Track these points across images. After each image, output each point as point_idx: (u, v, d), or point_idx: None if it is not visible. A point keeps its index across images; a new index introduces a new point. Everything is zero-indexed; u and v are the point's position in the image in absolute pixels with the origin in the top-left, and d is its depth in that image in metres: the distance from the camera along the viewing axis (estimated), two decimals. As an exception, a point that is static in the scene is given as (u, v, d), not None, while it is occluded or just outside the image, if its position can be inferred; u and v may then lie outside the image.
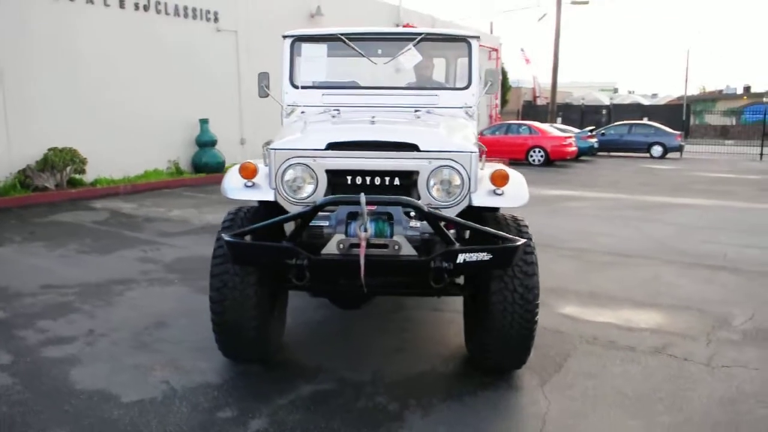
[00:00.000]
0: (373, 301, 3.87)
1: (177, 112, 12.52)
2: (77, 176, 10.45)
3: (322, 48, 4.33)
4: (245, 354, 3.42)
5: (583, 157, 20.77)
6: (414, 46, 4.23)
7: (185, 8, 12.64)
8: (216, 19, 13.35)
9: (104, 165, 10.97)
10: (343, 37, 4.21)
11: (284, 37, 4.34)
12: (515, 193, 3.16)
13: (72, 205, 9.41)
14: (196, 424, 2.86)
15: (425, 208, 2.73)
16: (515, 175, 3.22)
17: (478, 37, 4.25)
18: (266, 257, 2.89)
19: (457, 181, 3.05)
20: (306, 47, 4.31)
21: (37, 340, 3.93)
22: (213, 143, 12.95)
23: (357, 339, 4.02)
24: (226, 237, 2.87)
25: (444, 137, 3.15)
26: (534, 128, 18.86)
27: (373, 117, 3.31)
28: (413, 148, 3.05)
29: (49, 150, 9.97)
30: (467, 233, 3.44)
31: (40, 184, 9.86)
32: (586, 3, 27.11)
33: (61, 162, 9.89)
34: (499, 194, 3.11)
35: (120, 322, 4.27)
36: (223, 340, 3.28)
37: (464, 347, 3.77)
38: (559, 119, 27.71)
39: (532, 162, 17.91)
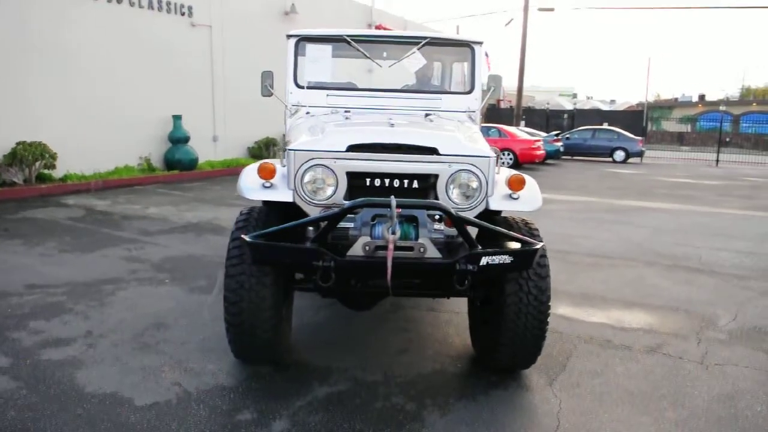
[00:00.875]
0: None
1: (149, 107, 12.26)
2: (46, 171, 10.12)
3: (326, 49, 4.34)
4: (258, 355, 3.39)
5: (549, 161, 21.25)
6: (418, 49, 4.29)
7: (159, 1, 12.37)
8: (190, 14, 13.11)
9: (74, 160, 10.66)
10: (348, 39, 4.24)
11: (288, 36, 4.33)
12: (530, 198, 3.25)
13: (43, 201, 9.12)
14: (217, 428, 2.84)
15: (454, 212, 2.78)
16: (529, 180, 3.30)
17: (481, 43, 4.33)
18: (291, 259, 2.89)
19: (475, 184, 3.11)
20: (310, 47, 4.31)
21: (33, 342, 3.82)
22: (186, 140, 12.72)
23: (361, 339, 4.04)
24: (247, 238, 2.85)
25: (463, 142, 3.21)
26: (503, 131, 19.18)
27: (391, 119, 3.35)
28: (433, 151, 3.09)
29: (18, 144, 9.63)
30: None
31: (7, 179, 9.52)
32: (552, 10, 27.69)
33: (30, 156, 9.56)
34: (515, 198, 3.19)
35: (117, 323, 4.18)
36: (237, 341, 3.25)
37: (468, 347, 3.86)
38: (523, 122, 28.20)
39: (501, 165, 18.17)
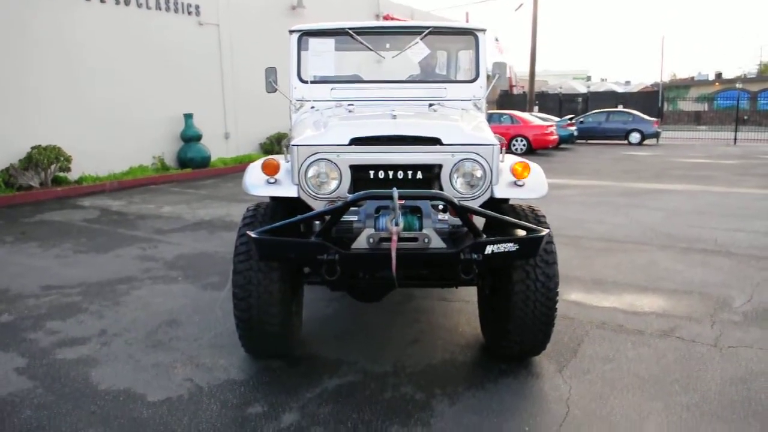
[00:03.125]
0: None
1: (160, 107, 12.37)
2: (62, 174, 10.27)
3: (329, 42, 4.32)
4: (268, 349, 3.43)
5: (563, 145, 21.07)
6: (421, 39, 4.27)
7: (167, 1, 12.43)
8: (198, 13, 13.16)
9: (88, 162, 10.79)
10: (350, 31, 4.22)
11: (291, 31, 4.32)
12: (535, 185, 3.22)
13: (59, 204, 9.26)
14: (228, 421, 2.88)
15: (457, 202, 2.77)
16: (534, 167, 3.27)
17: (485, 30, 4.29)
18: (296, 253, 2.90)
19: (479, 173, 3.09)
20: (313, 42, 4.30)
21: (49, 342, 3.89)
22: (198, 138, 12.81)
23: (372, 331, 4.06)
24: (252, 234, 2.86)
25: (466, 131, 3.18)
26: (516, 118, 19.05)
27: (393, 111, 3.34)
28: (436, 141, 3.08)
29: (33, 148, 9.78)
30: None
31: (24, 183, 9.67)
32: (562, -8, 27.33)
33: (45, 160, 9.71)
34: (520, 185, 3.17)
35: (131, 321, 4.24)
36: (247, 336, 3.28)
37: (479, 335, 3.86)
38: (536, 108, 27.99)
39: (514, 151, 18.09)
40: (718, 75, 48.12)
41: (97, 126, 11.11)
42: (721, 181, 11.74)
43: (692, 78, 52.39)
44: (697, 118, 37.58)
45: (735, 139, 23.75)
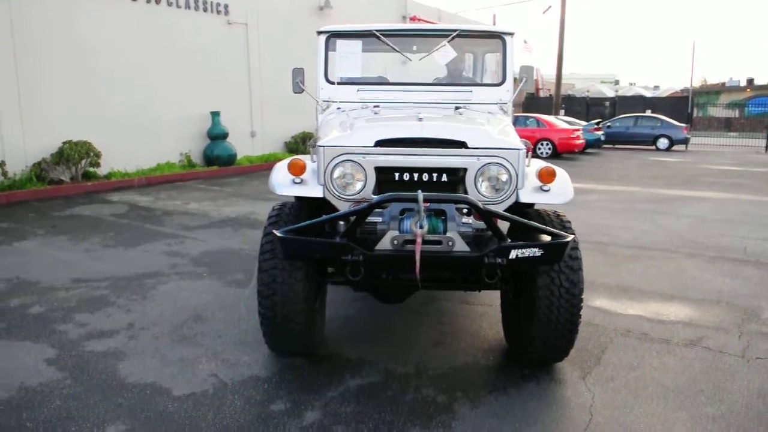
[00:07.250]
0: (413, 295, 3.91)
1: (188, 105, 12.55)
2: (92, 169, 10.48)
3: (356, 44, 4.35)
4: (292, 347, 3.46)
5: (589, 150, 20.84)
6: (448, 42, 4.27)
7: (196, 1, 12.62)
8: (226, 12, 13.33)
9: (117, 158, 11.01)
10: (378, 33, 4.24)
11: (319, 33, 4.36)
12: (561, 190, 3.20)
13: (88, 198, 9.45)
14: (252, 418, 2.92)
15: (482, 206, 2.77)
16: (560, 172, 3.26)
17: (512, 34, 4.28)
18: (321, 253, 2.93)
19: (504, 177, 3.08)
20: (341, 43, 4.33)
21: (78, 334, 3.98)
22: (224, 136, 12.97)
23: (395, 332, 4.07)
24: (278, 233, 2.90)
25: (492, 134, 3.18)
26: (542, 121, 18.89)
27: (419, 113, 3.35)
28: (461, 145, 3.08)
29: (64, 143, 10.00)
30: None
31: (55, 177, 9.89)
32: (591, -6, 27.04)
33: (76, 155, 9.92)
34: (546, 190, 3.16)
35: (158, 316, 4.32)
36: (271, 333, 3.32)
37: (501, 339, 3.84)
38: (563, 111, 27.72)
39: (539, 155, 17.94)
40: (750, 81, 47.00)
41: (126, 122, 11.31)
42: (752, 190, 11.50)
43: (723, 84, 51.26)
44: (727, 125, 36.81)
45: (766, 146, 23.22)
